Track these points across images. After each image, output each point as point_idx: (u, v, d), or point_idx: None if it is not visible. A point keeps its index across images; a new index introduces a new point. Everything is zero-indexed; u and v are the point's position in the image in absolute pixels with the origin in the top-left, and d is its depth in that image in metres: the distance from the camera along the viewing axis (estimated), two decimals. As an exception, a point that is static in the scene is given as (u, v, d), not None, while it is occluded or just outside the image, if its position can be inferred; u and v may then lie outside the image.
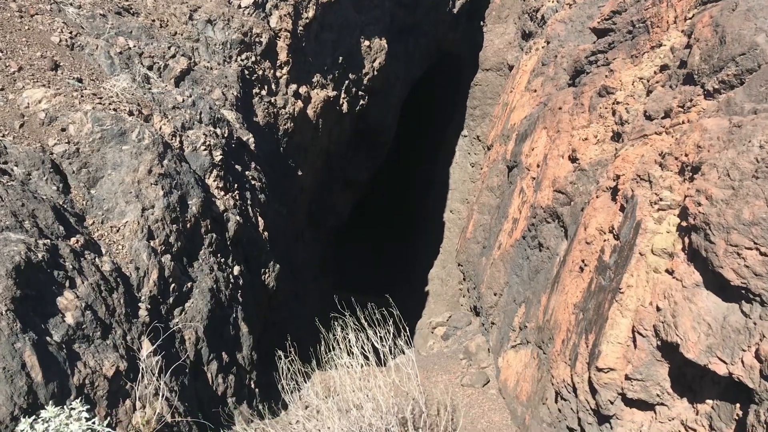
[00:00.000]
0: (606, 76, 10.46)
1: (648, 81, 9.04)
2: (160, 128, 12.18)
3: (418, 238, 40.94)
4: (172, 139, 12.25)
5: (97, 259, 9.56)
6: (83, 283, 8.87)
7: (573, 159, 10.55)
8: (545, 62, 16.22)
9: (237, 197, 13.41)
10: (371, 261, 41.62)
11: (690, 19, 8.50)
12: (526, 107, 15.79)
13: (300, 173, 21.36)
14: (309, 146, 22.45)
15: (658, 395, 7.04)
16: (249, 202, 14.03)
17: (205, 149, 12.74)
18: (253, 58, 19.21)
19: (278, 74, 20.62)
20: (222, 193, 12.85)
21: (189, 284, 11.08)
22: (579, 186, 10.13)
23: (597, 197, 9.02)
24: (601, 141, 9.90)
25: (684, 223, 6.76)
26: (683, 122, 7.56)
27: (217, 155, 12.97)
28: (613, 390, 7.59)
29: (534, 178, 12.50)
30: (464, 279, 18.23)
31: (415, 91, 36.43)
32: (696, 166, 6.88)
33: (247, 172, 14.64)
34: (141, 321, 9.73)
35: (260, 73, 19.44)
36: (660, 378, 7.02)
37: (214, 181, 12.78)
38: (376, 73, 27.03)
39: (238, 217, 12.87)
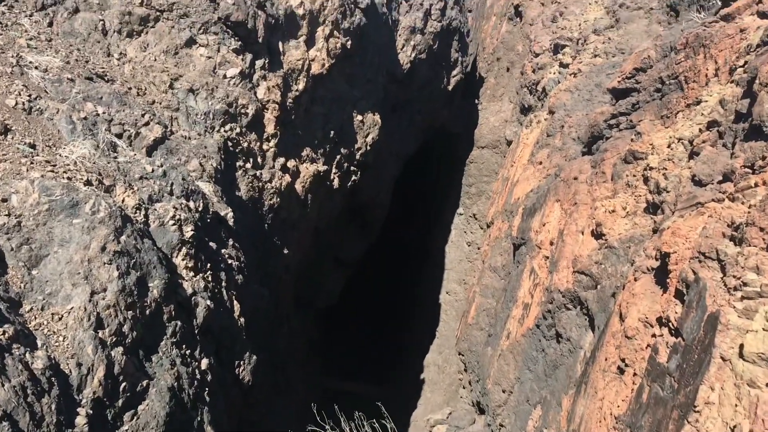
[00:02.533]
0: (632, 139, 9.19)
1: (691, 142, 7.75)
2: (123, 200, 10.74)
3: (412, 321, 39.10)
4: (135, 213, 10.79)
5: (27, 354, 7.89)
6: (3, 385, 7.18)
7: (598, 235, 9.11)
8: (551, 133, 15.08)
9: (209, 278, 11.84)
10: (363, 344, 39.55)
11: (741, 67, 7.28)
12: (531, 180, 14.50)
13: (286, 251, 19.85)
14: (297, 223, 21.04)
15: None
16: (224, 283, 12.45)
17: (174, 224, 11.26)
18: (238, 130, 18.07)
19: (265, 147, 19.45)
20: (191, 273, 11.29)
21: (145, 382, 9.35)
22: (607, 266, 8.65)
23: (635, 280, 7.53)
24: (631, 213, 8.50)
25: (795, 318, 5.21)
26: (756, 185, 6.17)
27: (188, 231, 11.48)
28: None
29: (547, 258, 11.03)
30: (465, 369, 16.44)
31: (409, 167, 35.47)
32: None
33: (223, 250, 13.12)
34: (78, 431, 7.97)
35: (245, 145, 18.26)
36: None
37: (183, 260, 11.24)
38: (368, 148, 26.01)
39: (208, 302, 11.26)
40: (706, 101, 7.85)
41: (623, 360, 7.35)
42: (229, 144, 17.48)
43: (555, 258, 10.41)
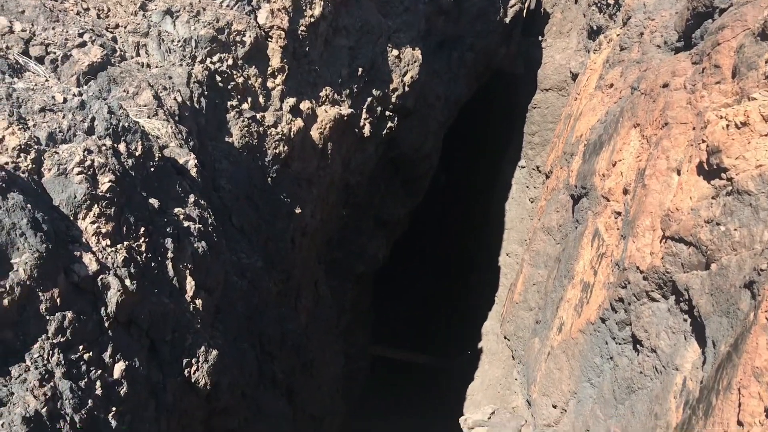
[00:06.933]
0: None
1: None
2: (2, 138, 7.60)
3: (470, 285, 35.63)
4: (18, 157, 7.62)
5: None
6: None
7: (712, 170, 5.24)
8: (625, 45, 11.02)
9: (142, 248, 8.62)
10: (415, 311, 36.38)
11: None
12: (599, 109, 10.55)
13: (298, 211, 16.53)
14: (314, 177, 17.66)
15: None
16: (170, 254, 9.22)
17: (80, 173, 8.04)
18: (231, 62, 14.71)
19: (270, 84, 16.05)
20: (105, 242, 8.08)
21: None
22: (731, 228, 4.79)
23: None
24: (791, 124, 4.69)
25: None
26: None
27: (104, 182, 8.25)
28: None
29: (619, 213, 7.19)
30: (513, 357, 12.87)
31: (463, 115, 31.48)
32: None
33: (176, 209, 9.87)
34: None
35: (240, 81, 14.90)
36: None
37: (94, 223, 8.04)
38: (407, 89, 22.21)
39: (128, 282, 8.04)
40: None
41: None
42: (218, 78, 14.18)
43: (631, 215, 6.51)
